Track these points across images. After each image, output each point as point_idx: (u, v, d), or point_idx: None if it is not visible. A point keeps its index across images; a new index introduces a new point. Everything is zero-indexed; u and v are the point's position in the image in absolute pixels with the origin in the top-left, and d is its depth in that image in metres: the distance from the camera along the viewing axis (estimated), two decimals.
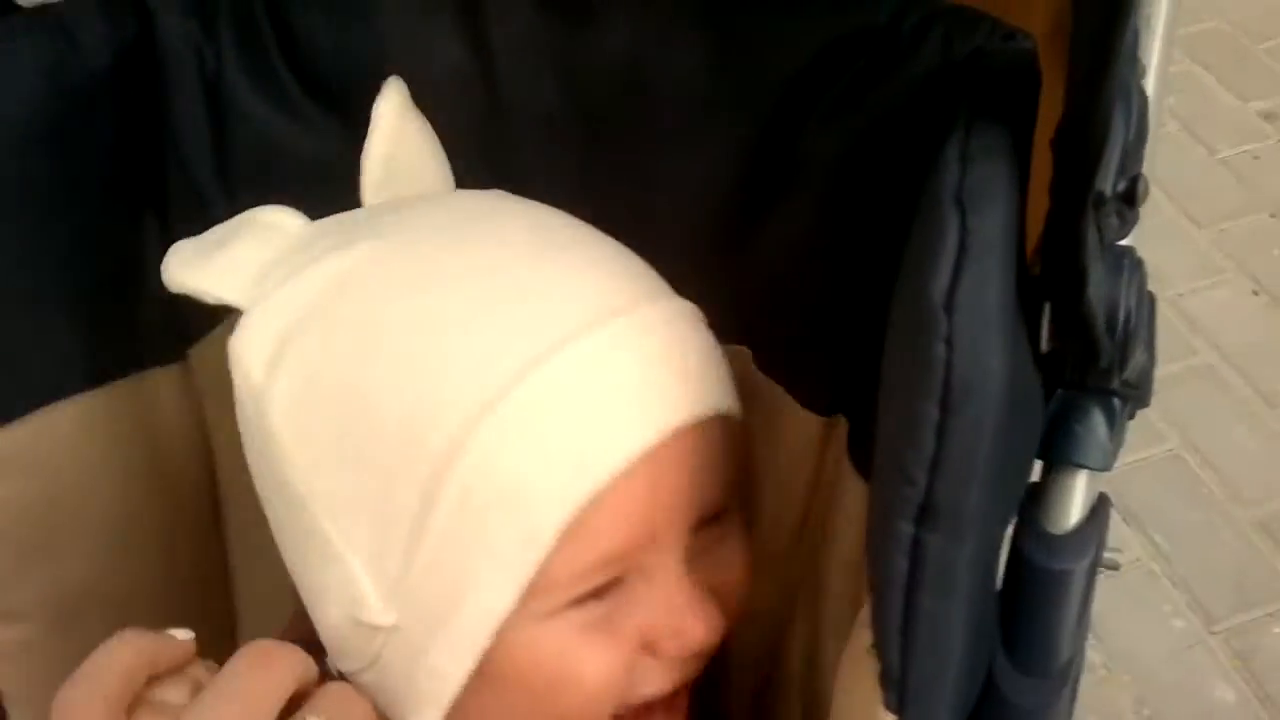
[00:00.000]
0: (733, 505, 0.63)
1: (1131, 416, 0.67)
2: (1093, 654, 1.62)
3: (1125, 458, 1.81)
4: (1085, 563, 0.60)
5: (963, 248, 0.41)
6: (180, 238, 0.63)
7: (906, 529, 0.43)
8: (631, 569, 0.57)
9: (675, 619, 0.58)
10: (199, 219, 0.64)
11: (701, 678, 0.64)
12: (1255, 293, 2.06)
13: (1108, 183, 0.44)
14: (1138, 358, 0.57)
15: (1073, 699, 0.61)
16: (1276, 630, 1.63)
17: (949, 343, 0.41)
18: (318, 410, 0.56)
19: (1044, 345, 0.53)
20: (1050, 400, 0.61)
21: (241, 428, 0.59)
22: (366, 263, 0.57)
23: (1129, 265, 0.54)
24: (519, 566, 0.54)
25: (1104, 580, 1.75)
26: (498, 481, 0.53)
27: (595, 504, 0.54)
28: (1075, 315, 0.49)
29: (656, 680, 0.59)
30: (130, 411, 0.69)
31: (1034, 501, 0.62)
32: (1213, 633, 1.63)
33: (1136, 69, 0.47)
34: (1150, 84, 0.54)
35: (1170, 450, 1.85)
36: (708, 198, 0.65)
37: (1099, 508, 0.62)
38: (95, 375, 0.66)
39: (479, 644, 0.55)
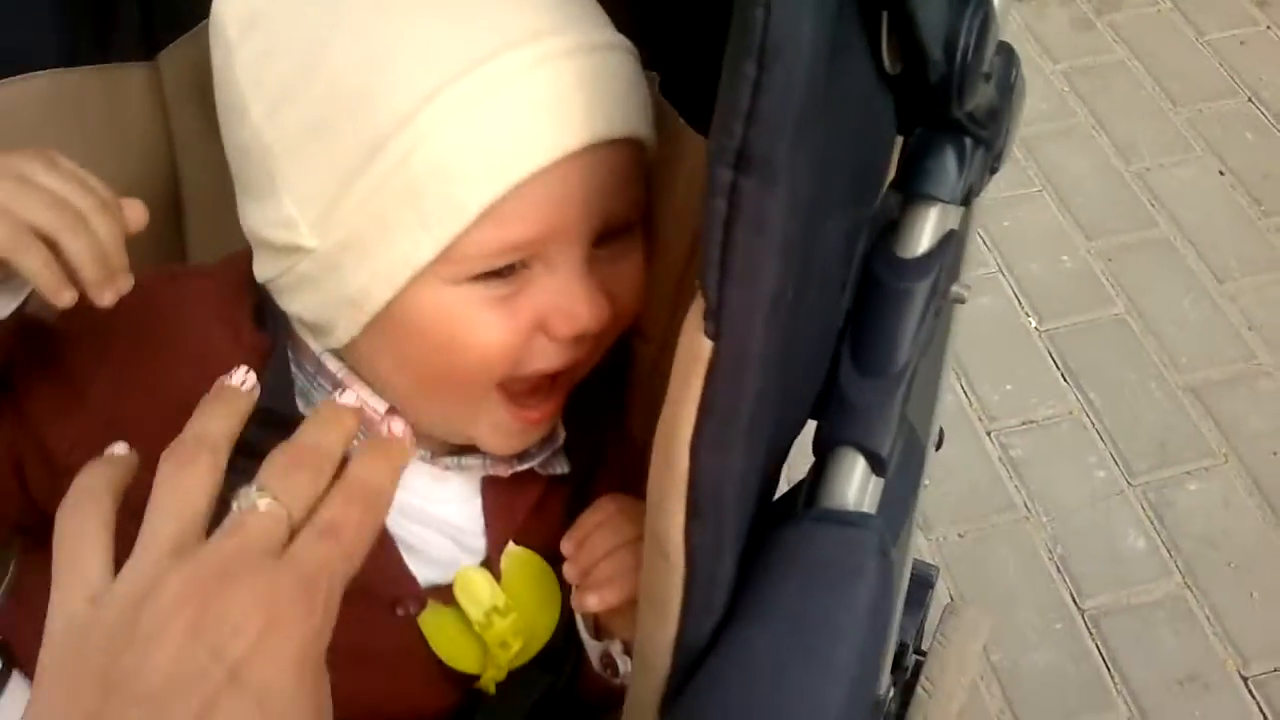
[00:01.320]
0: (635, 224, 0.71)
1: (992, 169, 0.75)
2: (1015, 495, 1.72)
3: (1071, 317, 1.92)
4: (926, 283, 0.68)
5: None
6: None
7: (726, 174, 0.51)
8: (537, 257, 0.66)
9: (568, 303, 0.67)
10: None
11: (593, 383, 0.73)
12: (1221, 173, 2.12)
13: None
14: (982, 92, 0.64)
15: (904, 403, 0.69)
16: (1192, 487, 1.72)
17: (766, 7, 0.48)
18: (278, 67, 0.64)
19: (888, 62, 0.59)
20: (910, 141, 0.69)
21: (215, 87, 0.68)
22: None
23: (975, 5, 0.61)
24: (441, 229, 0.63)
25: (1033, 430, 1.86)
26: (434, 156, 0.62)
27: (516, 192, 0.62)
28: (908, 27, 0.56)
29: (546, 358, 0.69)
30: (99, 99, 0.76)
31: (889, 230, 0.70)
32: (1131, 484, 1.73)
33: None
34: None
35: (1116, 314, 1.93)
36: None
37: (947, 240, 0.70)
38: (69, 55, 0.73)
39: (395, 283, 0.64)
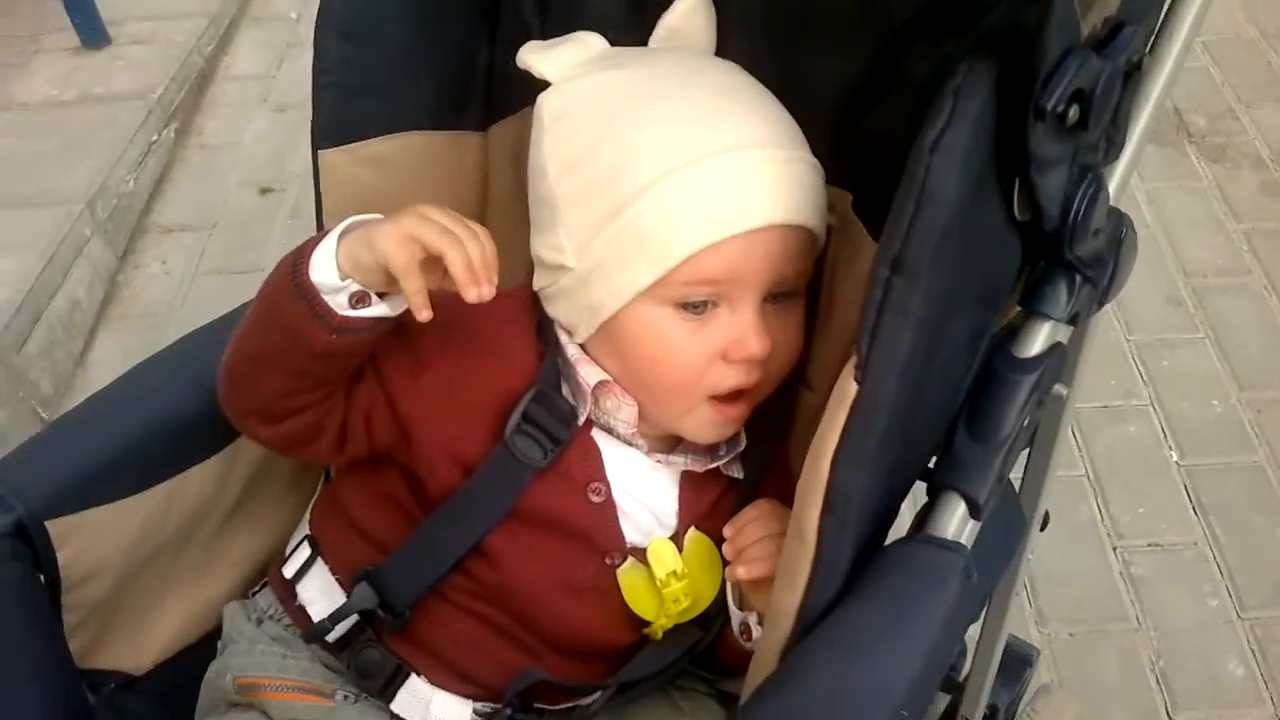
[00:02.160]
0: (800, 293, 0.97)
1: (1100, 302, 0.95)
2: (1129, 608, 1.86)
3: (1212, 457, 2.00)
4: (1032, 378, 0.89)
5: (950, 118, 0.72)
6: (504, 49, 1.00)
7: (884, 273, 0.75)
8: (724, 300, 0.92)
9: (742, 334, 0.93)
10: (520, 39, 1.01)
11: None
12: None
13: (1048, 100, 0.73)
14: (1091, 244, 0.86)
15: (1002, 466, 0.90)
16: None
17: (927, 169, 0.72)
18: (572, 145, 0.94)
19: (1018, 211, 0.82)
20: (1034, 270, 0.91)
21: (530, 155, 0.98)
22: (629, 77, 0.94)
23: (1090, 181, 0.83)
24: (658, 265, 0.90)
25: (1157, 552, 1.97)
26: (662, 214, 0.90)
27: (714, 247, 0.89)
28: (1033, 191, 0.79)
29: (724, 378, 0.94)
30: (447, 156, 1.06)
31: (1009, 336, 0.92)
32: (1241, 617, 1.85)
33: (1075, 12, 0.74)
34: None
35: (1255, 461, 2.06)
36: (839, 84, 0.96)
37: (1053, 349, 0.91)
38: (435, 122, 1.04)
39: (622, 298, 0.92)
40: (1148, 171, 2.61)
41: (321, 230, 1.03)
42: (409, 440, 0.96)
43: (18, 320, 2.14)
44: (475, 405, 0.96)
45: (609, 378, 0.97)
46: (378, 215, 0.88)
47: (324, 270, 0.86)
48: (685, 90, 0.93)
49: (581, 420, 0.97)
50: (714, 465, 1.01)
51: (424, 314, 0.85)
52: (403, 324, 0.91)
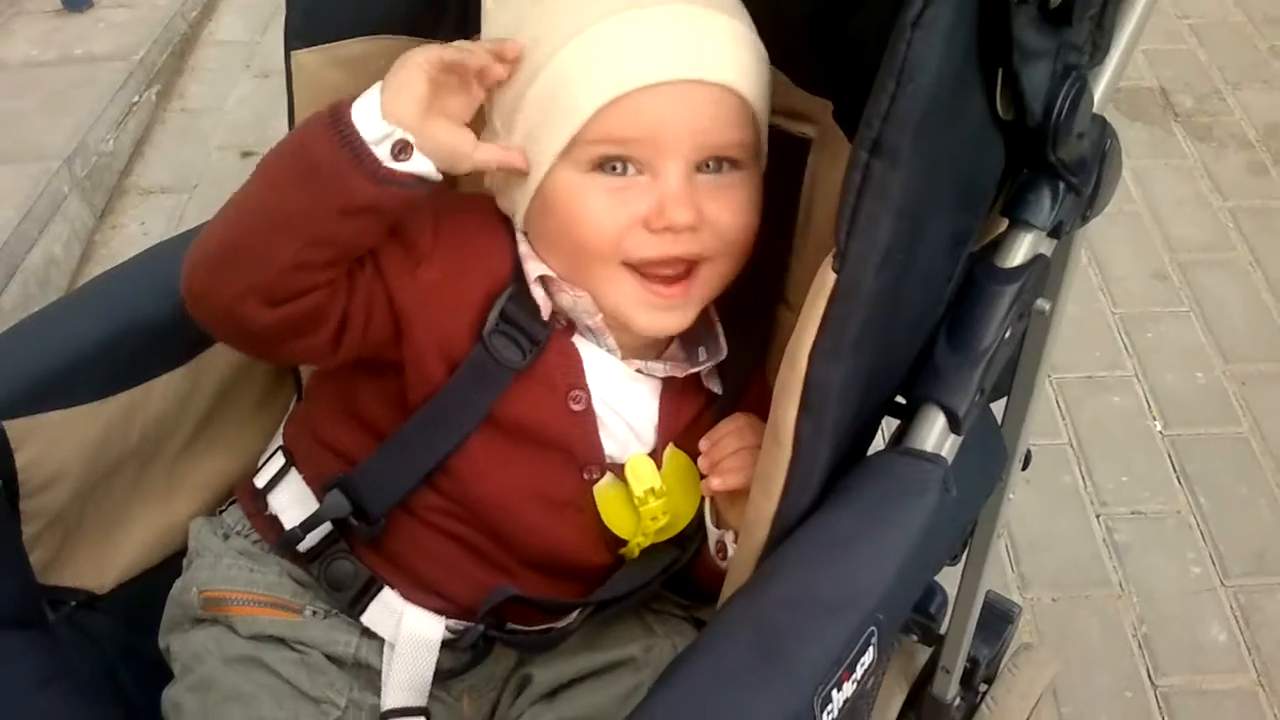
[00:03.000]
0: (743, 168, 0.94)
1: (1084, 217, 0.94)
2: (1112, 574, 1.85)
3: (1196, 427, 2.00)
4: (1014, 288, 0.88)
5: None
6: None
7: (863, 156, 0.73)
8: (646, 166, 0.90)
9: (660, 199, 0.90)
10: None
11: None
12: None
13: None
14: (1075, 146, 0.85)
15: (983, 379, 0.89)
16: None
17: (908, 44, 0.70)
18: (499, 28, 0.95)
19: (1000, 108, 0.80)
20: (1018, 179, 0.90)
21: None
22: None
23: (1075, 80, 0.82)
24: (568, 124, 0.89)
25: (1140, 520, 1.97)
26: (568, 74, 0.89)
27: (623, 101, 0.88)
28: (1016, 84, 0.78)
29: (646, 246, 0.91)
30: None
31: (991, 247, 0.91)
32: (1225, 584, 1.84)
33: None
34: None
35: (1239, 433, 2.06)
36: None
37: (1035, 261, 0.89)
38: (410, 28, 1.02)
39: (543, 165, 0.91)
40: (1135, 149, 2.61)
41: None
42: (402, 336, 0.93)
43: None
44: (465, 303, 0.93)
45: (551, 273, 0.95)
46: None
47: (368, 118, 0.85)
48: None
49: (546, 315, 0.94)
50: (693, 371, 0.99)
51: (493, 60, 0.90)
52: (399, 222, 0.90)
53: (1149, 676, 1.74)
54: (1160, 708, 1.70)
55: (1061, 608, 1.82)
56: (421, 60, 0.86)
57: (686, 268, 0.93)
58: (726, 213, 0.93)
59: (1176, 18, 3.06)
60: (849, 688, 0.76)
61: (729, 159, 0.93)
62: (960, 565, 1.31)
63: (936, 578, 1.20)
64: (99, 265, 2.42)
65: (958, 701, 1.49)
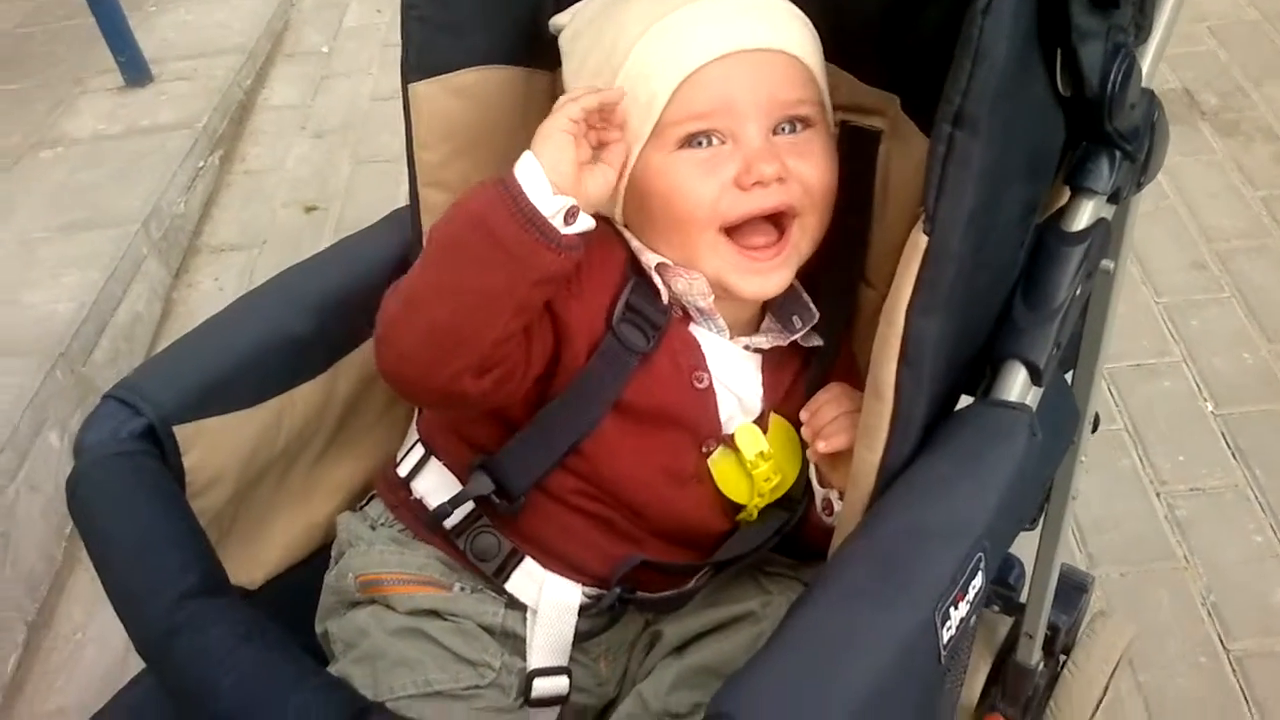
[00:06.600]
0: (815, 126, 1.03)
1: (1139, 184, 1.03)
2: (1176, 548, 1.91)
3: (1246, 405, 2.07)
4: (1080, 249, 0.96)
5: None
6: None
7: (946, 129, 0.82)
8: (729, 135, 1.00)
9: (749, 160, 0.99)
10: None
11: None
12: None
13: None
14: (1128, 116, 0.94)
15: (1059, 333, 0.97)
16: None
17: (980, 29, 0.80)
18: (579, 49, 1.07)
19: (1061, 85, 0.90)
20: (1078, 150, 0.99)
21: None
22: None
23: (1124, 57, 0.91)
24: (650, 111, 1.00)
25: (1199, 495, 2.02)
26: (642, 67, 1.00)
27: (691, 81, 0.99)
28: (1074, 61, 0.87)
29: (740, 204, 1.00)
30: (522, 89, 1.14)
31: (1057, 215, 0.99)
32: None
33: None
34: None
35: None
36: None
37: (1098, 225, 0.98)
38: (510, 58, 1.12)
39: (634, 154, 1.01)
40: None
41: (411, 161, 1.12)
42: (563, 347, 1.02)
43: (85, 330, 2.24)
44: (601, 303, 1.03)
45: (667, 260, 1.04)
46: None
47: (540, 193, 0.92)
48: None
49: (665, 299, 1.04)
50: (793, 339, 1.08)
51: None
52: None
53: (1221, 642, 1.79)
54: (1234, 670, 1.76)
55: (1130, 582, 1.89)
56: (564, 122, 0.94)
57: (779, 234, 1.02)
58: (807, 166, 1.02)
59: (1194, 20, 3.15)
60: (964, 607, 0.84)
61: (801, 118, 1.03)
62: (1036, 535, 1.39)
63: (1013, 550, 1.28)
64: (178, 321, 2.54)
65: (1040, 667, 1.57)
